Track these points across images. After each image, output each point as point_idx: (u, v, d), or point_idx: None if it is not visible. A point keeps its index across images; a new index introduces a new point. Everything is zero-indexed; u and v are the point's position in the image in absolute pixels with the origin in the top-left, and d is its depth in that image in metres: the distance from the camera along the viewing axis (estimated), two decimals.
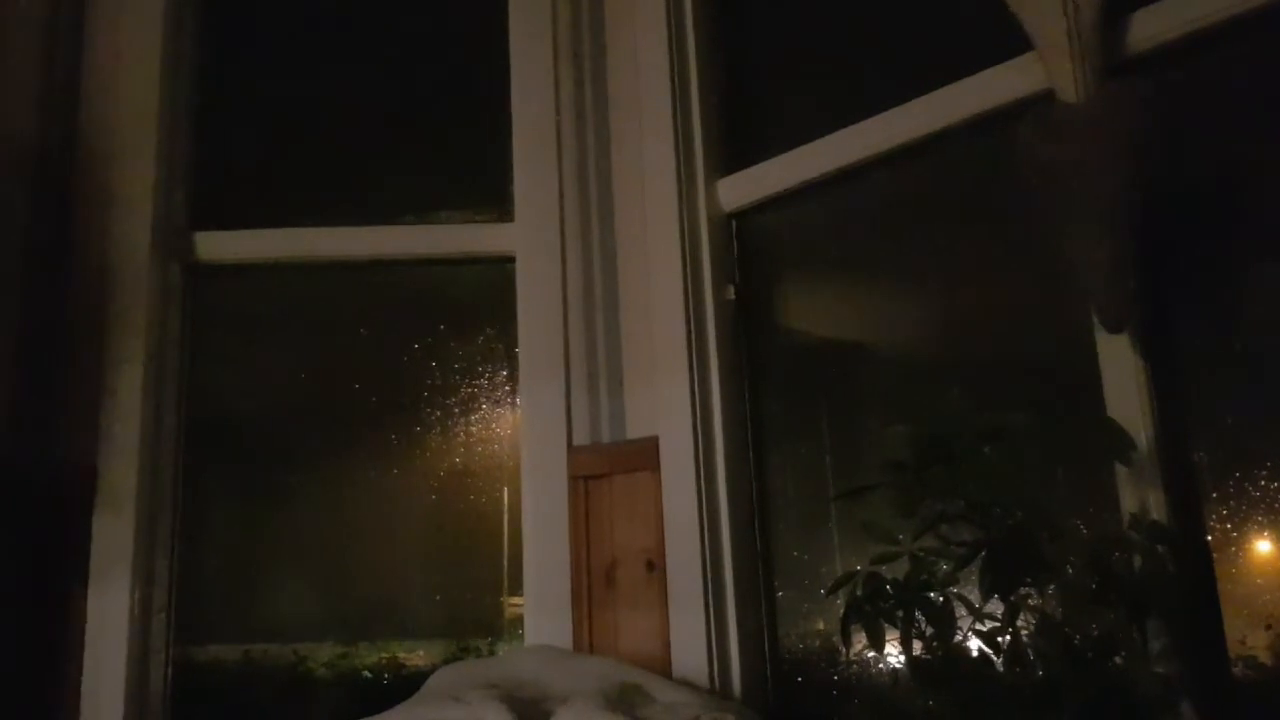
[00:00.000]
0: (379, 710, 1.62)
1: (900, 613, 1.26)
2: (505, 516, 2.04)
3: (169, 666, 1.96)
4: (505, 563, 2.01)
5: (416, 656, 2.00)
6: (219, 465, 2.10)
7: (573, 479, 1.93)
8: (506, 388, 2.09)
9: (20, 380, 1.94)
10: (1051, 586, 1.23)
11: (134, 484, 1.94)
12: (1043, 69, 1.53)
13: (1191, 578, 1.34)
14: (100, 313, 1.99)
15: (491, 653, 1.97)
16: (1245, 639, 1.34)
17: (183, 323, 2.09)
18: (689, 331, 1.88)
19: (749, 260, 1.97)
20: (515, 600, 1.98)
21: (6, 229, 1.97)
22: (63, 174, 2.06)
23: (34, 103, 2.05)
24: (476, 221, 2.15)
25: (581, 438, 1.96)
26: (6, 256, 1.97)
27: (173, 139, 2.13)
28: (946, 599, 1.26)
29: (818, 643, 1.76)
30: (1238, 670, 1.33)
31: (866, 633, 1.28)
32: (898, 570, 1.29)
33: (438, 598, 2.06)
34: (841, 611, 1.31)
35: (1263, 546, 1.37)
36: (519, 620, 1.95)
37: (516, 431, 2.03)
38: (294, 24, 2.29)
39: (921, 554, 1.28)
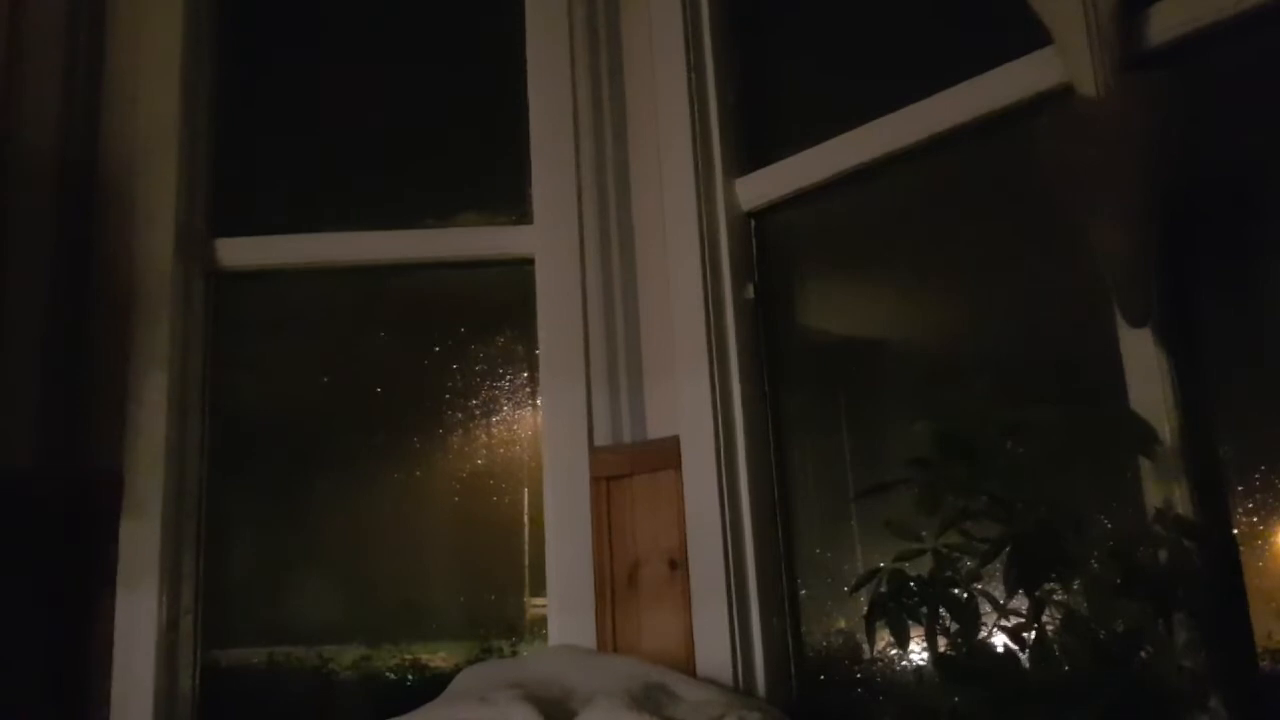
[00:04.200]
0: (404, 711, 1.64)
1: (924, 609, 1.26)
2: (527, 517, 2.04)
3: (197, 670, 1.98)
4: (527, 564, 2.02)
5: (440, 658, 2.00)
6: (243, 470, 2.11)
7: (594, 479, 1.93)
8: (527, 389, 2.10)
9: (46, 389, 1.96)
10: (1076, 582, 1.23)
11: (160, 490, 1.95)
12: (1061, 63, 1.52)
13: (1217, 571, 1.34)
14: (124, 321, 2.01)
15: (514, 653, 1.98)
16: (1272, 632, 1.33)
17: (205, 329, 2.11)
18: (709, 331, 1.88)
19: (768, 259, 1.97)
20: (538, 601, 1.98)
21: (31, 240, 2.00)
22: (85, 184, 2.08)
23: (55, 115, 2.07)
24: (495, 224, 2.16)
25: (603, 438, 1.96)
26: (31, 267, 1.99)
27: (193, 147, 2.14)
28: (971, 595, 1.25)
29: (841, 640, 1.76)
30: (1265, 663, 1.32)
31: (890, 630, 1.28)
32: (921, 567, 1.29)
33: (461, 599, 2.07)
34: (865, 608, 1.31)
35: None
36: (542, 621, 1.95)
37: (538, 433, 2.04)
38: (311, 30, 2.31)
39: (945, 550, 1.28)
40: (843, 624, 1.77)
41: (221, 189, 2.19)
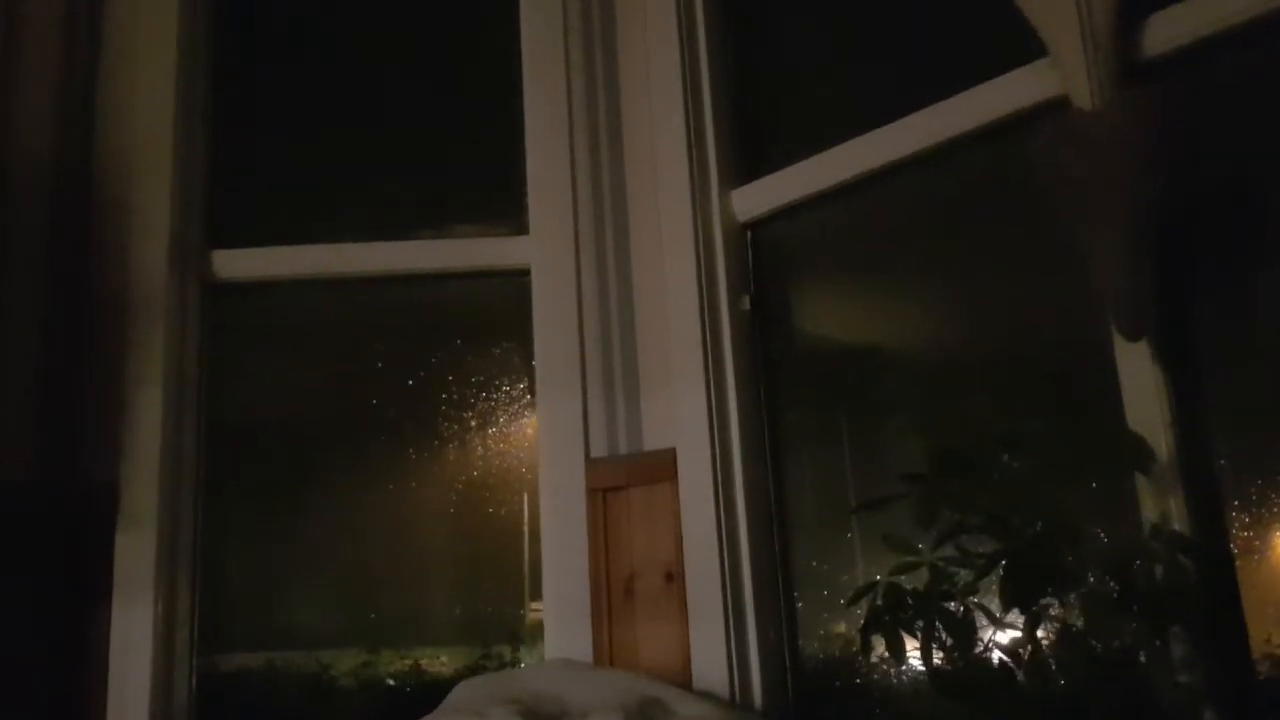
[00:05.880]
0: (402, 719, 1.63)
1: (920, 623, 1.26)
2: (525, 528, 2.04)
3: (193, 678, 1.97)
4: (525, 573, 2.02)
5: (439, 664, 2.00)
6: (239, 479, 2.11)
7: (591, 491, 1.93)
8: (524, 400, 2.09)
9: (42, 400, 1.96)
10: (1072, 596, 1.23)
11: (155, 499, 1.95)
12: (1057, 75, 1.53)
13: (1213, 587, 1.33)
14: (120, 331, 2.01)
15: (513, 659, 1.98)
16: (1269, 648, 1.33)
17: (201, 340, 2.11)
18: (705, 342, 1.88)
19: (764, 270, 1.97)
20: (535, 605, 1.98)
21: (27, 251, 1.99)
22: (81, 195, 2.08)
23: (51, 124, 2.07)
24: (491, 235, 2.15)
25: (599, 450, 1.96)
26: (27, 277, 1.98)
27: (189, 159, 2.14)
28: (967, 609, 1.26)
29: (838, 653, 1.76)
30: (1261, 679, 1.32)
31: (887, 643, 1.28)
32: (917, 580, 1.29)
33: (459, 608, 2.07)
34: (861, 622, 1.31)
35: None
36: (539, 626, 1.95)
37: (534, 443, 2.04)
38: (308, 42, 2.31)
39: (941, 564, 1.28)
40: (840, 636, 1.77)
41: (217, 200, 2.19)
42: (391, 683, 1.98)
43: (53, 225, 2.03)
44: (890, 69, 1.85)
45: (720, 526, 1.79)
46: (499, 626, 2.02)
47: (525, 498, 2.05)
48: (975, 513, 1.25)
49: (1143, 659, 1.20)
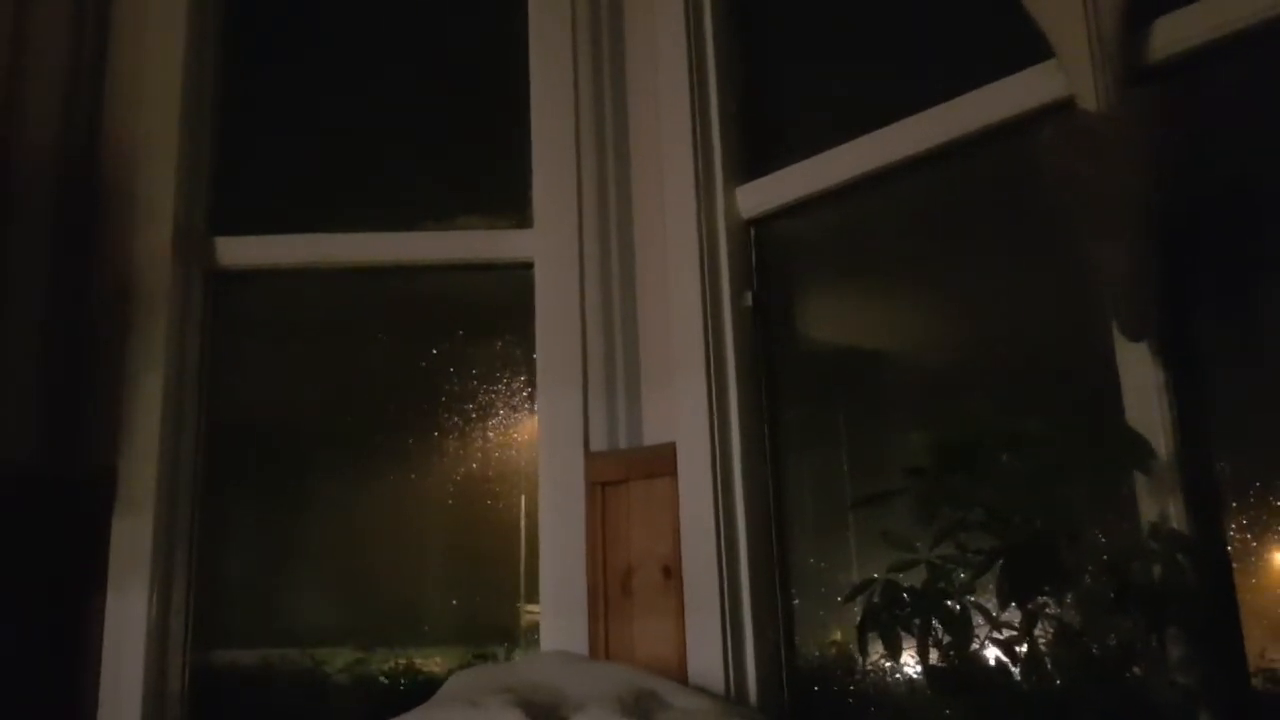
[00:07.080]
0: (395, 713, 1.63)
1: (917, 621, 1.25)
2: (523, 522, 2.04)
3: (187, 669, 1.97)
4: (522, 569, 2.02)
5: (433, 663, 2.00)
6: (238, 469, 2.11)
7: (590, 485, 1.93)
8: (524, 393, 2.09)
9: (43, 385, 1.96)
10: (1070, 595, 1.23)
11: (154, 487, 1.95)
12: (1063, 76, 1.53)
13: (1211, 588, 1.33)
14: (122, 318, 2.01)
15: (508, 659, 1.98)
16: (1265, 650, 1.33)
17: (203, 328, 2.11)
18: (707, 338, 1.88)
19: (767, 267, 1.97)
20: (531, 608, 1.98)
21: (30, 235, 2.00)
22: (86, 181, 2.08)
23: (57, 110, 2.08)
24: (496, 228, 2.16)
25: (599, 444, 1.96)
26: (30, 262, 1.99)
27: (194, 145, 2.15)
28: (964, 607, 1.25)
29: (834, 650, 1.75)
30: (1257, 682, 1.32)
31: (883, 641, 1.28)
32: (915, 578, 1.28)
33: (455, 603, 2.07)
34: (858, 619, 1.31)
35: None
36: (535, 628, 1.95)
37: (534, 437, 2.04)
38: (315, 31, 2.31)
39: (939, 562, 1.27)
40: (836, 634, 1.77)
41: (222, 188, 2.19)
42: (385, 680, 1.98)
43: (57, 211, 2.04)
44: (896, 68, 1.85)
45: (719, 522, 1.79)
46: (494, 626, 2.01)
47: (523, 496, 2.04)
48: (975, 509, 1.25)
49: (1138, 658, 1.19)
